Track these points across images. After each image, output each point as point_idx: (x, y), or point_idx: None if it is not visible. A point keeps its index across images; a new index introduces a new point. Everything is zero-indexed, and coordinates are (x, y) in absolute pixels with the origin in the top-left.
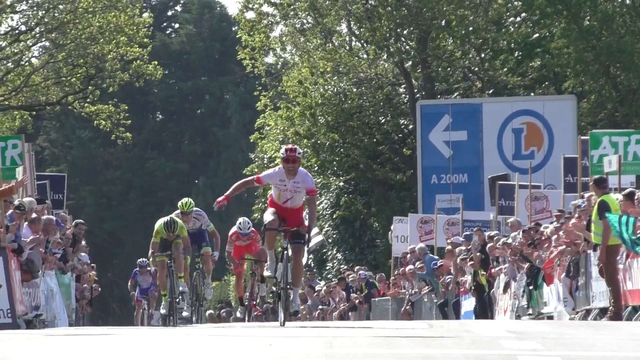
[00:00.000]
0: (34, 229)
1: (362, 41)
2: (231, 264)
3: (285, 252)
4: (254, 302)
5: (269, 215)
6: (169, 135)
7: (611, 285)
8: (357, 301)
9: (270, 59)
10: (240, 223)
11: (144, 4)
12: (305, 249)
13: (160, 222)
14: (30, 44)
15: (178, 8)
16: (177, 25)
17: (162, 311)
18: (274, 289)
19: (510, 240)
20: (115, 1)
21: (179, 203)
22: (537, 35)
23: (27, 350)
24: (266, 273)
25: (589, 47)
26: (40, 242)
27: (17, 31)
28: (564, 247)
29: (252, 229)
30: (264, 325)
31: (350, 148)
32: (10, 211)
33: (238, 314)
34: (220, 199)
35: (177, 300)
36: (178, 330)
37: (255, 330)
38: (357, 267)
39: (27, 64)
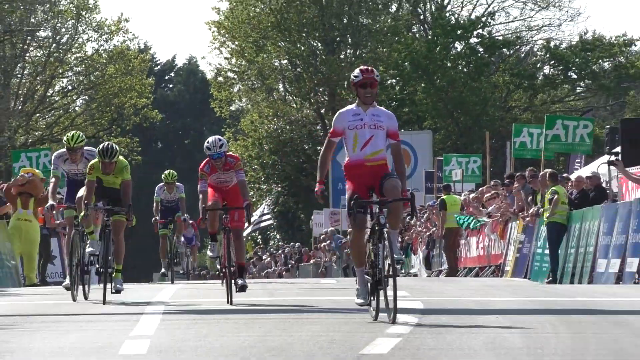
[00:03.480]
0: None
1: (293, 95)
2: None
3: (384, 229)
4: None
5: (352, 189)
6: (166, 159)
7: (448, 254)
8: (289, 265)
9: (232, 107)
10: (208, 142)
11: (149, 71)
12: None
13: (96, 159)
14: (75, 98)
15: (172, 74)
16: (171, 85)
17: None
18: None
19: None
20: (130, 70)
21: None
22: (405, 91)
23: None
24: (357, 301)
25: (440, 99)
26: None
27: (66, 89)
28: (426, 230)
29: (230, 152)
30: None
31: (285, 165)
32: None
33: (209, 252)
34: (316, 189)
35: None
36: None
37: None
38: (292, 243)
39: (72, 111)
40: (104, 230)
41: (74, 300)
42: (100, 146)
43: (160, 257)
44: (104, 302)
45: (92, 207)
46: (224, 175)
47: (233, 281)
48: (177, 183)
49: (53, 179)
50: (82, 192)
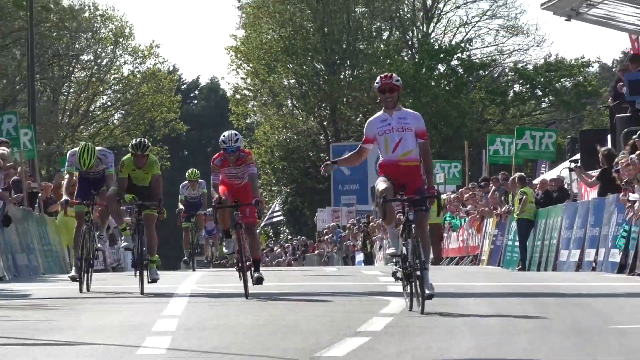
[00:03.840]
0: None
1: (299, 110)
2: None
3: (412, 225)
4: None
5: (382, 184)
6: (190, 164)
7: (433, 246)
8: (297, 255)
9: (248, 119)
10: (224, 135)
11: (177, 89)
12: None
13: (128, 155)
14: (113, 112)
15: (197, 92)
16: (195, 101)
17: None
18: (395, 268)
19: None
20: (160, 88)
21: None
22: None
23: (117, 281)
24: (389, 250)
25: (425, 113)
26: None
27: (105, 105)
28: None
29: (244, 148)
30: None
31: (293, 170)
32: None
33: (224, 249)
34: (327, 162)
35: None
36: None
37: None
38: (299, 236)
39: (111, 123)
40: (138, 225)
41: (81, 291)
42: (133, 140)
43: (184, 247)
44: (142, 292)
45: (125, 204)
46: (235, 170)
47: (249, 275)
48: (199, 180)
49: (67, 176)
50: (111, 190)
